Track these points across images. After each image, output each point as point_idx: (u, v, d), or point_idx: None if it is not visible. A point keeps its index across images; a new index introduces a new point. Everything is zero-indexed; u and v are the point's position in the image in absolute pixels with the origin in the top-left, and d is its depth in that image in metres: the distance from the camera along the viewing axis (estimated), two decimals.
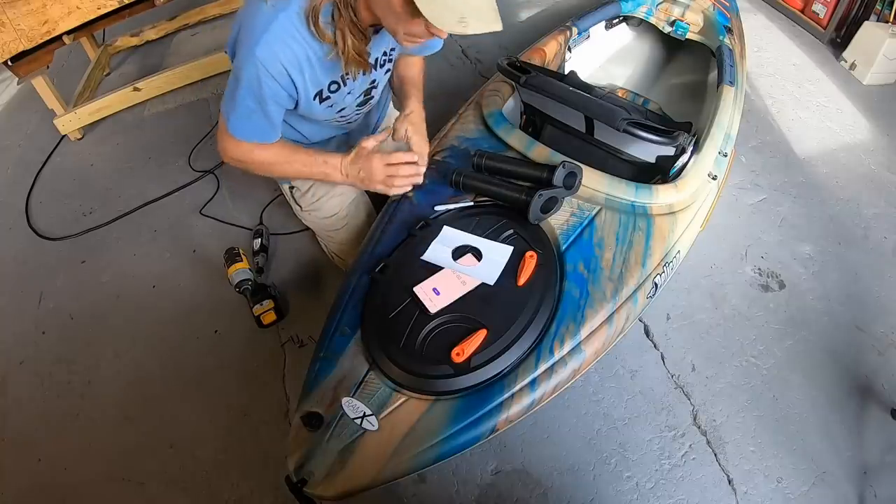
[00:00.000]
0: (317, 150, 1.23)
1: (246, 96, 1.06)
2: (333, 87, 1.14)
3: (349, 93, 1.19)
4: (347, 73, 1.13)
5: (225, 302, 1.63)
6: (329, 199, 1.41)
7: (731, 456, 1.30)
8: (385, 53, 1.20)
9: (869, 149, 2.05)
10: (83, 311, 1.69)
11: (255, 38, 1.00)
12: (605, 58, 2.16)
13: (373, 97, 1.30)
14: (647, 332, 1.52)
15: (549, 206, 1.21)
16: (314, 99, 1.13)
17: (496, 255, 1.16)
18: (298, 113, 1.18)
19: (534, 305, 1.08)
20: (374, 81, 1.24)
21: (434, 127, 1.63)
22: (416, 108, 1.31)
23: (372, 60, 1.15)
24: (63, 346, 1.62)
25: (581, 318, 1.09)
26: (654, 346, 1.49)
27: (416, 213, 1.30)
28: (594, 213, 1.24)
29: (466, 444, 0.99)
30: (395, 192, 1.23)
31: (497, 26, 0.93)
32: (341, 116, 1.26)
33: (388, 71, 1.26)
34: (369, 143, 1.20)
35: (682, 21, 1.92)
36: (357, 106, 1.27)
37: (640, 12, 2.01)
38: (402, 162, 1.19)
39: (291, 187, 1.42)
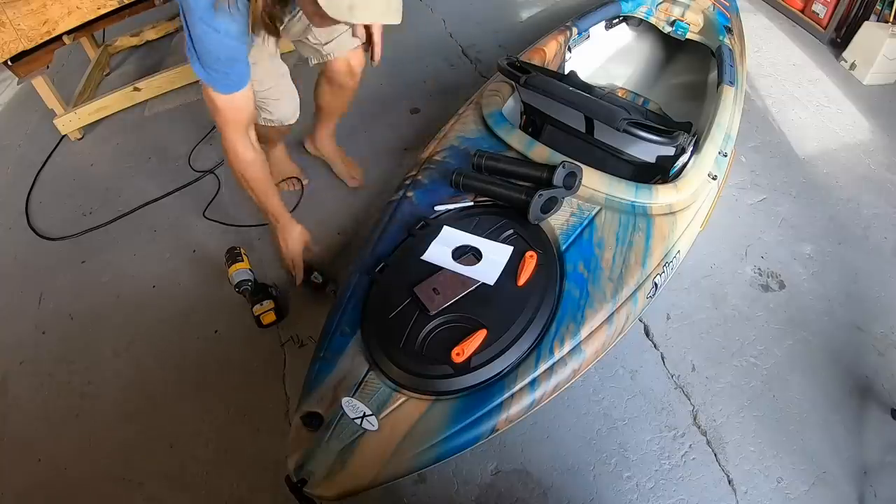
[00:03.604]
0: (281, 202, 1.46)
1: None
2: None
3: None
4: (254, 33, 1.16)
5: (225, 302, 1.63)
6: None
7: (731, 456, 1.30)
8: None
9: (869, 149, 2.05)
10: (83, 311, 1.69)
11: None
12: (605, 58, 2.16)
13: None
14: (647, 332, 1.52)
15: (549, 206, 1.21)
16: None
17: (496, 255, 1.16)
18: None
19: (534, 305, 1.08)
20: None
21: (434, 127, 1.64)
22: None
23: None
24: (63, 346, 1.62)
25: (581, 318, 1.09)
26: (654, 346, 1.49)
27: (416, 213, 1.30)
28: (594, 213, 1.24)
29: (466, 444, 0.99)
30: (285, 254, 1.54)
31: (391, 19, 0.98)
32: None
33: None
34: (303, 249, 1.53)
35: (682, 21, 1.92)
36: None
37: (640, 12, 2.01)
38: (297, 268, 1.54)
39: None
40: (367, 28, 1.37)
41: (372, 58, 1.45)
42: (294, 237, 1.50)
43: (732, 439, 1.33)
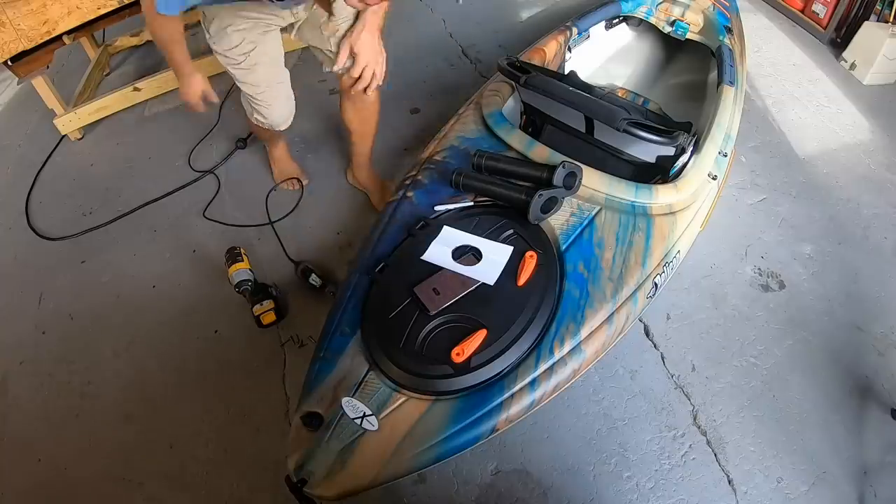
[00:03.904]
0: (187, 55, 1.45)
1: None
2: None
3: None
4: None
5: (225, 302, 1.63)
6: (233, 33, 1.43)
7: (731, 456, 1.30)
8: None
9: (869, 149, 2.05)
10: (83, 311, 1.69)
11: None
12: (605, 58, 2.16)
13: None
14: (647, 332, 1.52)
15: (549, 206, 1.21)
16: None
17: (496, 255, 1.16)
18: None
19: (534, 305, 1.08)
20: None
21: (434, 127, 1.63)
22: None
23: None
24: (63, 346, 1.62)
25: (581, 318, 1.09)
26: (654, 346, 1.49)
27: (416, 213, 1.30)
28: (594, 213, 1.24)
29: (466, 444, 0.99)
30: (184, 100, 1.57)
31: None
32: None
33: None
34: (201, 94, 1.55)
35: (682, 21, 1.92)
36: None
37: (640, 12, 2.01)
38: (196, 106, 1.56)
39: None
40: (354, 55, 1.37)
41: (360, 87, 1.44)
42: (192, 88, 1.52)
43: (732, 439, 1.33)
